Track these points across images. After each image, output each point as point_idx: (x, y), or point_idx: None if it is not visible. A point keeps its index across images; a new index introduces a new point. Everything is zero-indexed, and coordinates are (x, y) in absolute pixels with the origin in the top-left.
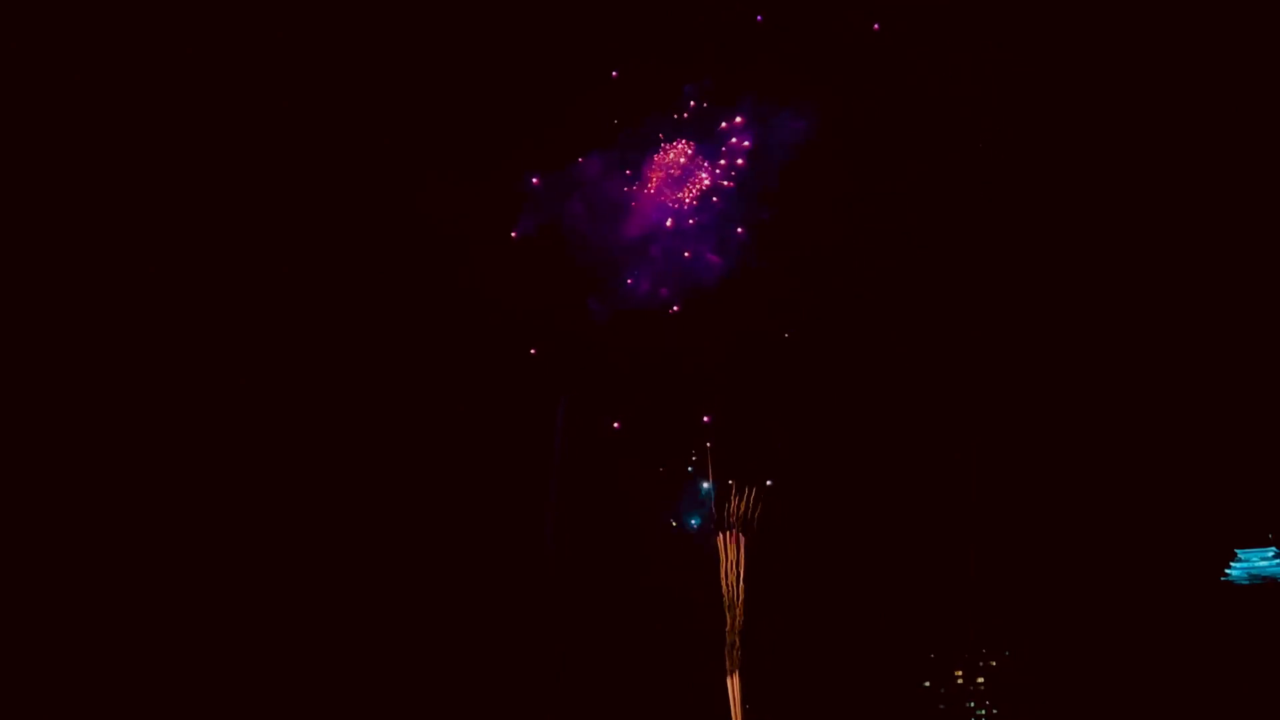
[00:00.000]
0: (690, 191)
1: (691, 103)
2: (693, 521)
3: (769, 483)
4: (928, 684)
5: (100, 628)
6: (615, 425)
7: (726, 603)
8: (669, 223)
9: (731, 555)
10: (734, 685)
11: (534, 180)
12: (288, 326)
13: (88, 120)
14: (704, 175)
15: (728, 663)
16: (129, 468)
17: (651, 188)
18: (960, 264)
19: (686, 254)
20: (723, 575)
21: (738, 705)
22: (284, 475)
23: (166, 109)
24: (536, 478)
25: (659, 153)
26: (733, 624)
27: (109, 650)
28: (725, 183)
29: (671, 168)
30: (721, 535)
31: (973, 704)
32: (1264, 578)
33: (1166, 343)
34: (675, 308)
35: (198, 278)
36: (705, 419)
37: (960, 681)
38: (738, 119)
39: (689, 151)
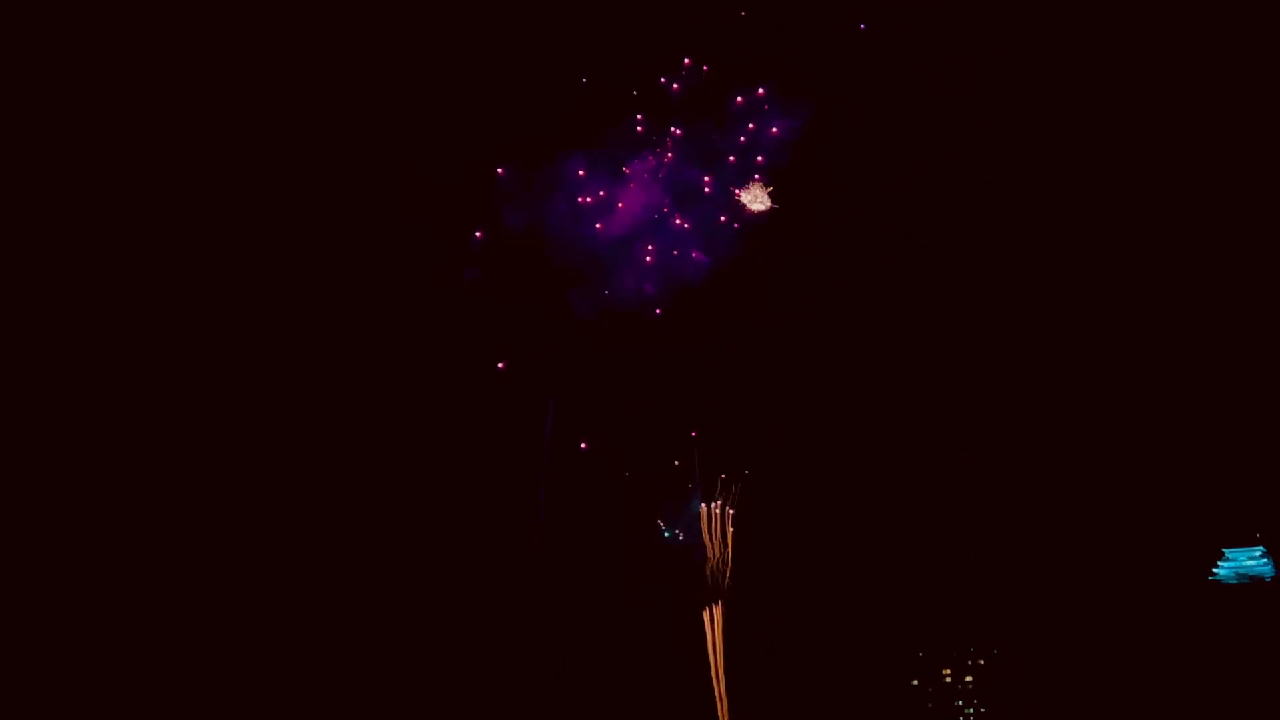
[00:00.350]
0: (674, 192)
1: (675, 85)
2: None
3: (747, 472)
4: (916, 682)
5: (82, 620)
6: (583, 445)
7: (712, 594)
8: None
9: (717, 552)
10: (719, 680)
11: (503, 174)
12: (283, 326)
13: (76, 120)
14: (703, 178)
15: (711, 657)
16: (108, 458)
17: (634, 186)
18: (955, 263)
19: (675, 252)
20: (708, 566)
21: (724, 701)
22: (272, 474)
23: (157, 109)
24: (526, 476)
25: (645, 152)
26: (715, 616)
27: (91, 642)
28: (706, 186)
29: (657, 169)
30: (705, 507)
31: (961, 702)
32: (1251, 577)
33: (1156, 344)
34: (659, 310)
35: (190, 277)
36: (693, 433)
37: (948, 680)
38: (728, 114)
39: (675, 140)
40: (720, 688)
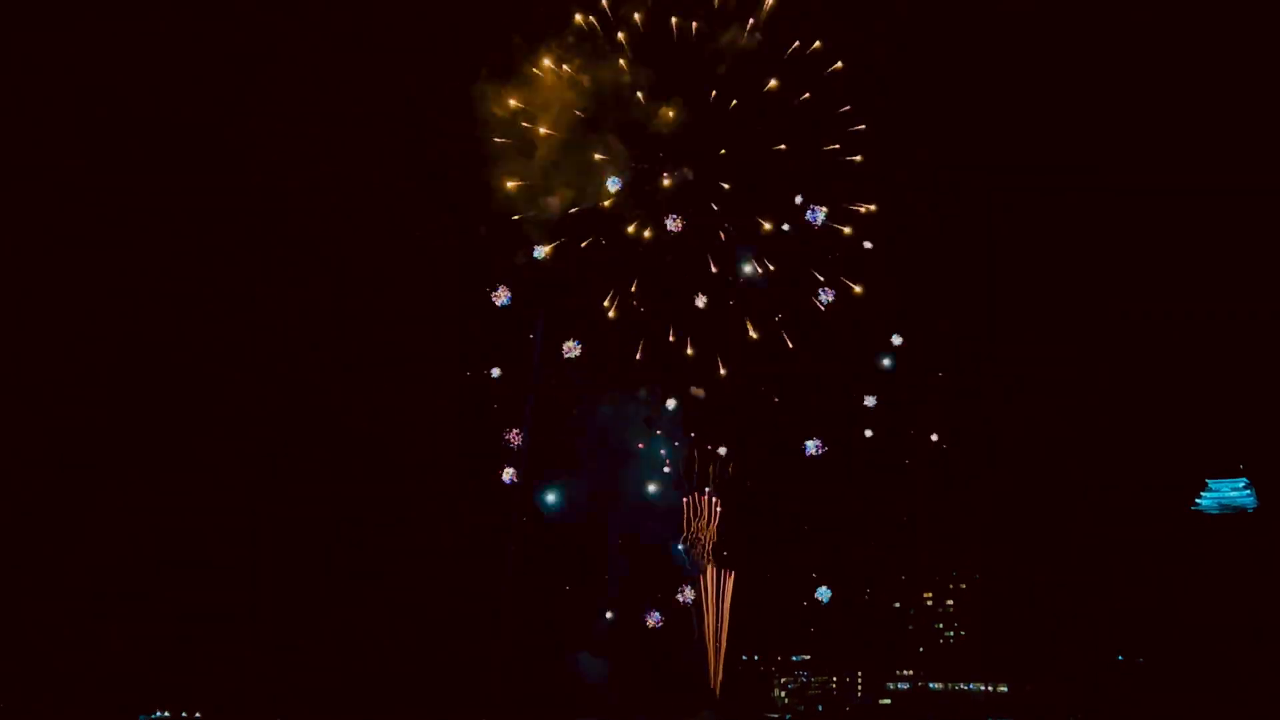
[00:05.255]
0: None
1: None
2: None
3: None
4: (898, 605)
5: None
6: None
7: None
8: None
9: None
10: (711, 612)
11: None
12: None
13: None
14: None
15: (706, 582)
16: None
17: None
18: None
19: None
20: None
21: (720, 616)
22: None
23: (156, 109)
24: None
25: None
26: (706, 542)
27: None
28: None
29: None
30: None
31: (940, 625)
32: (1234, 508)
33: (1146, 280)
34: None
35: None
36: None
37: (929, 603)
38: None
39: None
40: (711, 614)
